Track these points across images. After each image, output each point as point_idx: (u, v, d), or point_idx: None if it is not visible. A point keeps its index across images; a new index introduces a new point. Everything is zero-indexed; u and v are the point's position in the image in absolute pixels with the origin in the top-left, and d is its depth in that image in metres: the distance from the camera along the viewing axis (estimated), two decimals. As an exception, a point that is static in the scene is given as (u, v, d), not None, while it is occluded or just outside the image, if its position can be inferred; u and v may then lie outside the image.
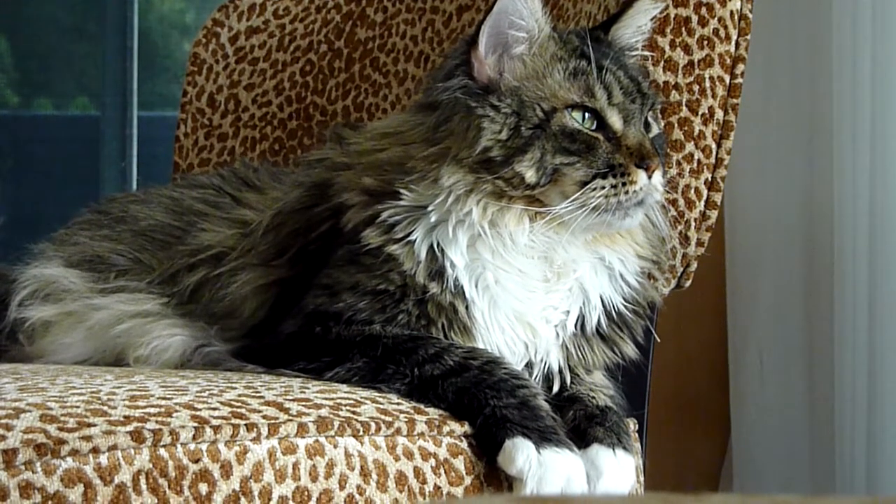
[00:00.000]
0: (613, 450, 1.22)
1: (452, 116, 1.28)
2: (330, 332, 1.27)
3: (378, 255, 1.27)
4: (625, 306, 1.32)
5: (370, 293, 1.27)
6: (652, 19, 1.39)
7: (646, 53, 1.42)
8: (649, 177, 1.26)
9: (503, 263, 1.27)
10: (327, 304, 1.28)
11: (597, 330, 1.31)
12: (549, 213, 1.25)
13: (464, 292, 1.26)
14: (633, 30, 1.37)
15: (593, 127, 1.27)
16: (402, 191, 1.27)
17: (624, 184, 1.25)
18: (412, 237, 1.27)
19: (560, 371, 1.30)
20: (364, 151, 1.35)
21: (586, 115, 1.27)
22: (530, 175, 1.25)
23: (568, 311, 1.30)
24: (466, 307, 1.26)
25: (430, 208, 1.26)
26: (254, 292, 1.36)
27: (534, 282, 1.28)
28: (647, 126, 1.31)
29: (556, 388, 1.30)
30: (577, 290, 1.30)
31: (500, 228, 1.26)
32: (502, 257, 1.27)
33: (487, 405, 1.19)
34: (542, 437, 1.17)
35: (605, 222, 1.27)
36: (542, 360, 1.29)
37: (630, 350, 1.35)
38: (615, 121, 1.28)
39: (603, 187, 1.25)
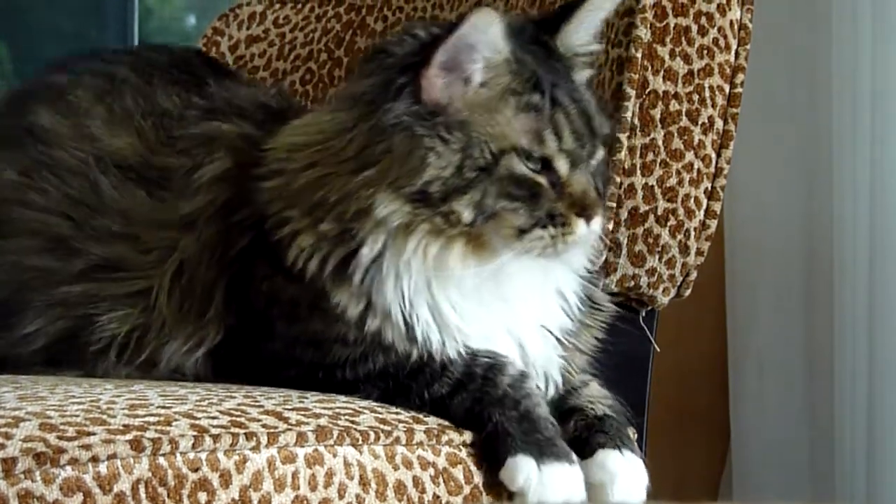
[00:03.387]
0: (620, 450, 1.23)
1: (393, 136, 1.20)
2: (335, 377, 1.25)
3: (347, 319, 1.24)
4: (585, 292, 1.33)
5: (355, 343, 1.24)
6: (602, 20, 1.32)
7: (595, 48, 1.33)
8: (588, 224, 1.22)
9: (467, 306, 1.24)
10: (319, 356, 1.25)
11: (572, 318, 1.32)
12: (488, 261, 1.21)
13: (434, 344, 1.24)
14: (584, 31, 1.30)
15: (538, 168, 1.21)
16: (362, 236, 1.22)
17: (563, 234, 1.21)
18: (387, 303, 1.22)
19: (546, 376, 1.29)
20: (287, 171, 1.27)
21: (531, 156, 1.21)
22: (467, 215, 1.19)
23: (551, 316, 1.29)
24: (446, 354, 1.24)
25: (376, 252, 1.21)
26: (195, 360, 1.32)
27: (503, 312, 1.26)
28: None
29: (551, 391, 1.29)
30: (554, 295, 1.30)
31: (445, 271, 1.22)
32: (461, 305, 1.23)
33: (490, 420, 1.19)
34: (542, 452, 1.17)
35: (541, 257, 1.23)
36: (536, 370, 1.29)
37: (606, 312, 1.35)
38: (561, 165, 1.22)
39: (541, 237, 1.21)
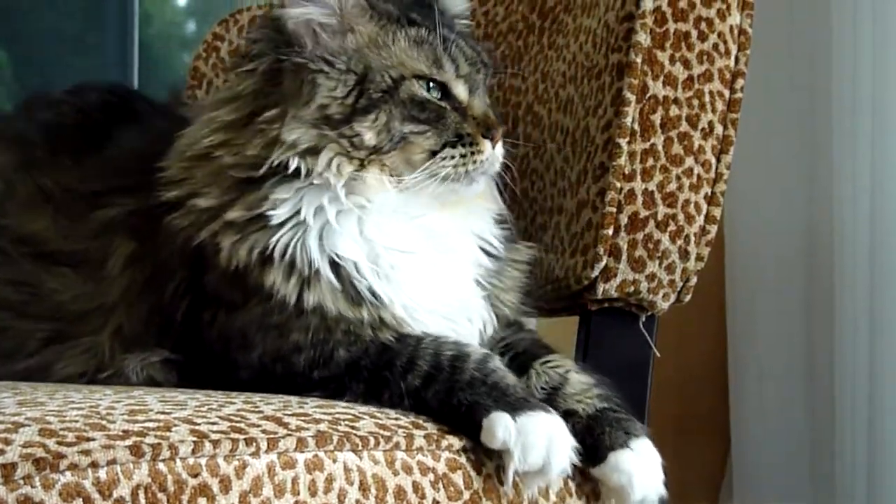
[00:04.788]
0: (628, 446, 1.23)
1: (282, 80, 1.27)
2: (312, 378, 1.26)
3: (287, 306, 1.25)
4: (500, 240, 1.36)
5: (312, 345, 1.26)
6: None
7: (469, 22, 1.46)
8: (493, 147, 1.31)
9: (394, 243, 1.27)
10: (288, 366, 1.26)
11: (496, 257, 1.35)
12: (402, 182, 1.27)
13: (383, 300, 1.26)
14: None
15: (439, 97, 1.30)
16: (271, 188, 1.25)
17: (473, 153, 1.29)
18: (315, 262, 1.25)
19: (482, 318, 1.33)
20: (187, 172, 1.31)
21: (431, 84, 1.30)
22: (370, 137, 1.27)
23: (474, 257, 1.33)
24: (391, 310, 1.27)
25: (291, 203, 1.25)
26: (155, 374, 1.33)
27: (430, 263, 1.29)
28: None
29: (489, 331, 1.33)
30: (473, 237, 1.33)
31: (362, 196, 1.26)
32: (390, 239, 1.27)
33: (462, 404, 1.20)
34: (515, 408, 1.18)
35: (453, 190, 1.30)
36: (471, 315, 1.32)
37: (529, 252, 1.40)
38: (461, 91, 1.32)
39: (453, 157, 1.29)
